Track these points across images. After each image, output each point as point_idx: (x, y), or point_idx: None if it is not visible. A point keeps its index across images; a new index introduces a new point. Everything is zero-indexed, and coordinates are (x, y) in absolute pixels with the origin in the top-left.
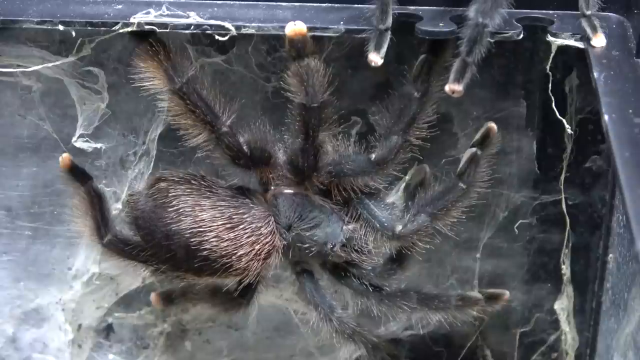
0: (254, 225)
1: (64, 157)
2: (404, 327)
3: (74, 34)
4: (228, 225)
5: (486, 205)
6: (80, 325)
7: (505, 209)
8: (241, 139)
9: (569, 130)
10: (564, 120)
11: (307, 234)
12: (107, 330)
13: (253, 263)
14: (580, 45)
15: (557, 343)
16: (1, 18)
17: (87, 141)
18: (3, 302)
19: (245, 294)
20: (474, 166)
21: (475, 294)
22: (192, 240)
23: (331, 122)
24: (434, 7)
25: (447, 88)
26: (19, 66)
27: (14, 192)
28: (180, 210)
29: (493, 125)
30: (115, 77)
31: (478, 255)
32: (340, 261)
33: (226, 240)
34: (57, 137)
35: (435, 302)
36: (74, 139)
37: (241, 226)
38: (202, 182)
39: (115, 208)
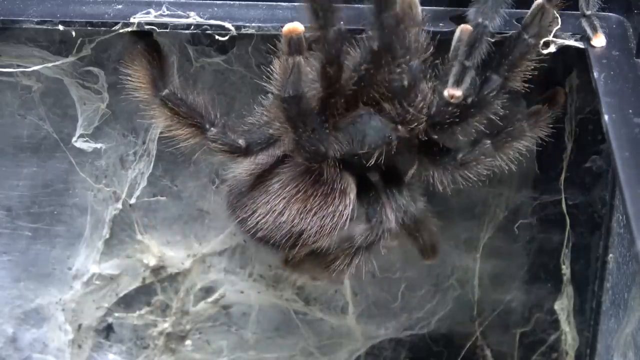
0: (287, 188)
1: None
2: (403, 327)
3: (74, 34)
4: (264, 199)
5: (486, 205)
6: (80, 326)
7: (506, 209)
8: (233, 136)
9: (569, 130)
10: (564, 120)
11: (362, 151)
12: (107, 331)
13: (311, 220)
14: (580, 45)
15: (557, 343)
16: (1, 18)
17: (87, 141)
18: (3, 302)
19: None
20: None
21: (534, 107)
22: (245, 223)
23: (310, 114)
24: (434, 7)
25: (445, 93)
26: (19, 66)
27: (14, 192)
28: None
29: (560, 89)
30: (115, 77)
31: (478, 255)
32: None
33: (267, 214)
34: (57, 137)
35: (508, 134)
36: (74, 139)
37: (274, 195)
38: (252, 164)
39: (116, 208)
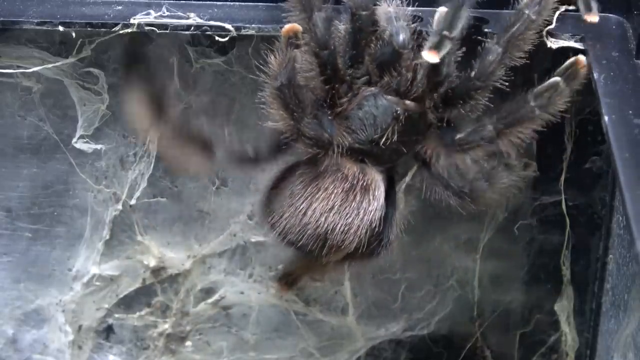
0: (309, 188)
1: None
2: (403, 328)
3: (74, 35)
4: (289, 202)
5: None
6: (80, 326)
7: (505, 210)
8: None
9: (569, 131)
10: (564, 121)
11: (377, 135)
12: (107, 331)
13: (333, 220)
14: (580, 45)
15: (557, 344)
16: (1, 19)
17: (87, 142)
18: (3, 303)
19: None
20: (553, 91)
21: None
22: (275, 228)
23: (307, 101)
24: (434, 8)
25: (423, 54)
26: (19, 67)
27: (14, 193)
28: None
29: (582, 58)
30: (115, 78)
31: (478, 256)
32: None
33: (293, 216)
34: (57, 138)
35: (515, 116)
36: (74, 140)
37: (297, 196)
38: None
39: (116, 209)
